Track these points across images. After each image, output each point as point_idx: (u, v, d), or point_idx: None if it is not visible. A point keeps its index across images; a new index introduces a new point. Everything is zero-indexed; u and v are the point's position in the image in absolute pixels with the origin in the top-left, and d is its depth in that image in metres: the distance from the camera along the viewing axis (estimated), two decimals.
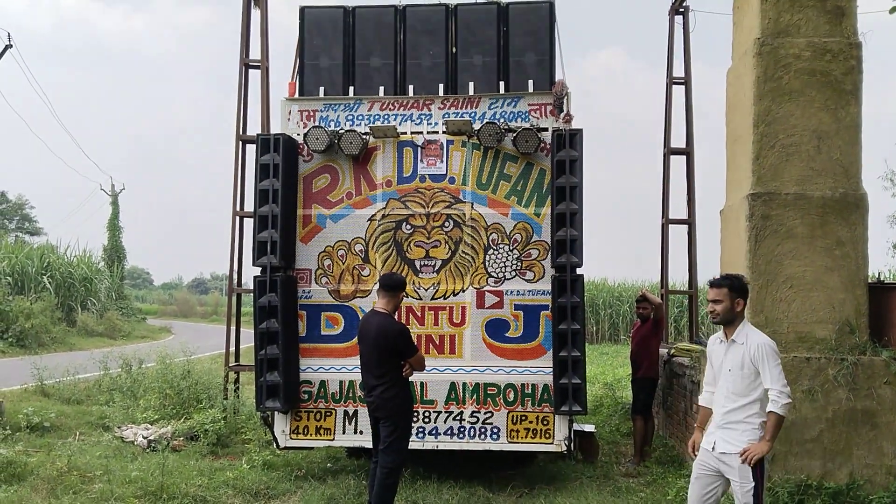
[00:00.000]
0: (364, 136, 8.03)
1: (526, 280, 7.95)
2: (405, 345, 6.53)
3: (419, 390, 7.88)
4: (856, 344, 7.32)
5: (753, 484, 4.99)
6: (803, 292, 7.46)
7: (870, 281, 7.67)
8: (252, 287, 8.14)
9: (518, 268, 7.96)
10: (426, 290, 8.02)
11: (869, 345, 7.36)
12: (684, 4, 12.38)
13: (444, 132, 8.10)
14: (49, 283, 29.88)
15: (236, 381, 10.90)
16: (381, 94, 8.28)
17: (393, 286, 6.66)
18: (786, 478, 7.16)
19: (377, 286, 6.92)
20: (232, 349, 10.84)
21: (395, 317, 6.86)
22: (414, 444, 7.69)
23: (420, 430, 7.88)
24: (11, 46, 25.47)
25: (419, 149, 8.14)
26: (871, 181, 21.92)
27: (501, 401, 7.87)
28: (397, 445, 6.50)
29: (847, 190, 7.60)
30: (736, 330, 5.24)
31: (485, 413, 7.88)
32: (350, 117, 8.27)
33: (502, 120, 8.04)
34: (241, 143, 10.82)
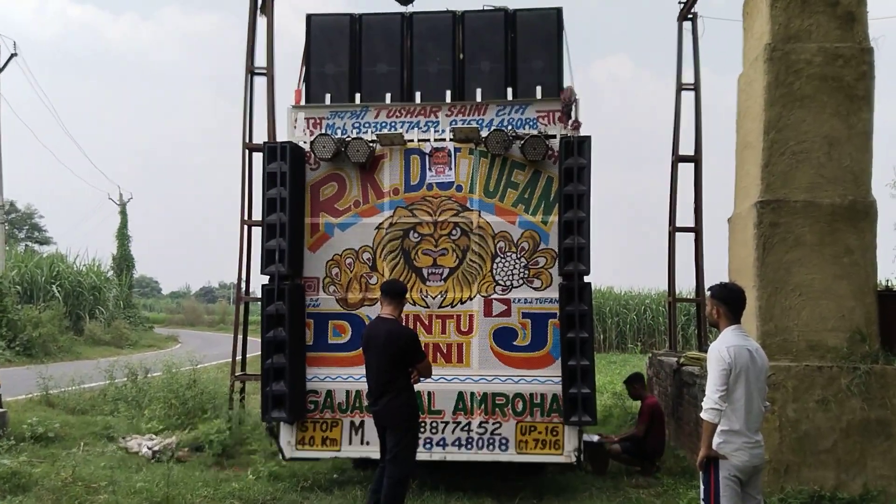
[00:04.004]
0: (371, 144, 7.98)
1: (533, 288, 7.87)
2: (415, 350, 6.48)
3: (426, 400, 7.80)
4: (867, 352, 7.24)
5: (703, 487, 5.15)
6: (813, 300, 7.39)
7: (879, 289, 7.59)
8: (260, 295, 8.09)
9: (525, 276, 7.89)
10: (433, 299, 7.95)
11: (881, 353, 7.26)
12: (693, 11, 12.32)
13: (451, 139, 8.05)
14: (58, 291, 29.96)
15: (242, 390, 10.84)
16: (388, 101, 8.23)
17: (398, 292, 6.63)
18: (799, 489, 7.09)
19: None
20: (238, 358, 10.79)
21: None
22: (421, 454, 7.62)
23: (427, 440, 7.80)
24: (16, 55, 25.67)
25: (426, 156, 8.08)
26: (879, 188, 21.81)
27: (510, 411, 7.79)
28: (405, 455, 6.42)
29: (856, 197, 7.54)
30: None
31: (493, 423, 7.80)
32: (357, 125, 8.21)
33: (510, 127, 7.97)
34: (247, 151, 10.77)
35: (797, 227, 7.50)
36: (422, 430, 7.68)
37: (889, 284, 8.21)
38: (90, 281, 33.22)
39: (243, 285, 11.00)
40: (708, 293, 5.44)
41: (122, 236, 41.34)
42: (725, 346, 5.06)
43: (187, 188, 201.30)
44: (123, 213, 41.90)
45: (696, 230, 12.36)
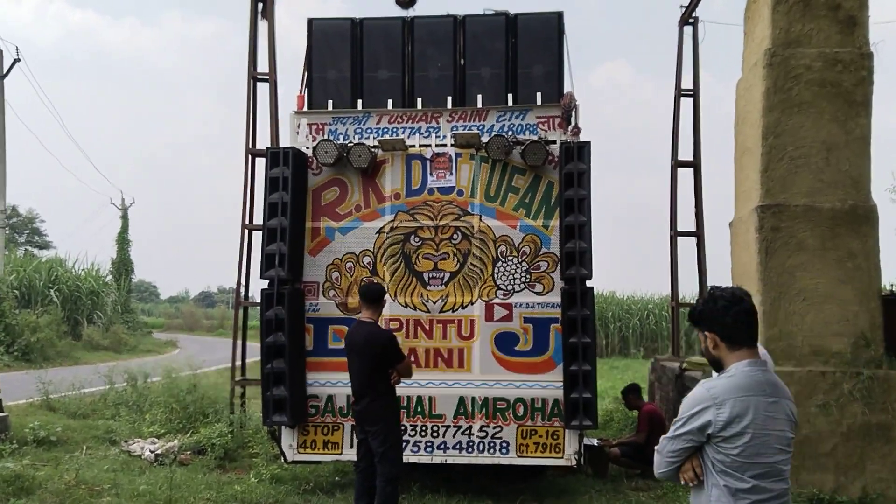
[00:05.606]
0: (373, 149, 8.02)
1: (535, 293, 7.88)
2: (394, 352, 6.54)
3: (427, 404, 7.82)
4: (871, 357, 7.26)
5: None
6: (817, 305, 7.40)
7: (883, 293, 7.62)
8: (259, 300, 8.10)
9: (527, 280, 7.90)
10: (434, 303, 7.96)
11: (885, 358, 7.29)
12: (693, 15, 12.35)
13: (452, 145, 8.08)
14: (56, 296, 29.89)
15: (243, 395, 10.86)
16: (390, 106, 8.26)
17: (376, 296, 6.67)
18: (798, 491, 7.10)
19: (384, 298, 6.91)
20: (238, 363, 10.80)
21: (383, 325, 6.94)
22: (422, 458, 7.69)
23: (429, 444, 7.82)
24: (20, 60, 25.65)
25: (428, 161, 8.11)
26: (879, 193, 21.83)
27: (511, 415, 7.80)
28: (392, 455, 6.49)
29: (857, 202, 7.57)
30: None
31: (494, 427, 7.81)
32: (359, 130, 8.25)
33: (510, 132, 8.01)
34: (250, 156, 10.81)
35: (799, 232, 7.52)
36: (423, 433, 7.73)
37: (893, 289, 8.23)
38: (88, 286, 33.12)
39: (243, 290, 11.01)
40: None
41: (123, 241, 41.15)
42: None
43: (185, 192, 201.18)
44: (125, 218, 41.78)
45: (698, 234, 12.38)
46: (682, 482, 3.23)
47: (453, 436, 7.84)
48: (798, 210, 7.55)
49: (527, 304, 7.88)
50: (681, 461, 3.18)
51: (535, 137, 7.93)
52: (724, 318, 3.18)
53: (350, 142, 8.12)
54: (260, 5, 11.11)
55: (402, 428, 7.37)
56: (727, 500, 3.05)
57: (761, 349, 5.20)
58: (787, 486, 3.11)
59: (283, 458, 8.18)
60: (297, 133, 8.30)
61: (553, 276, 7.86)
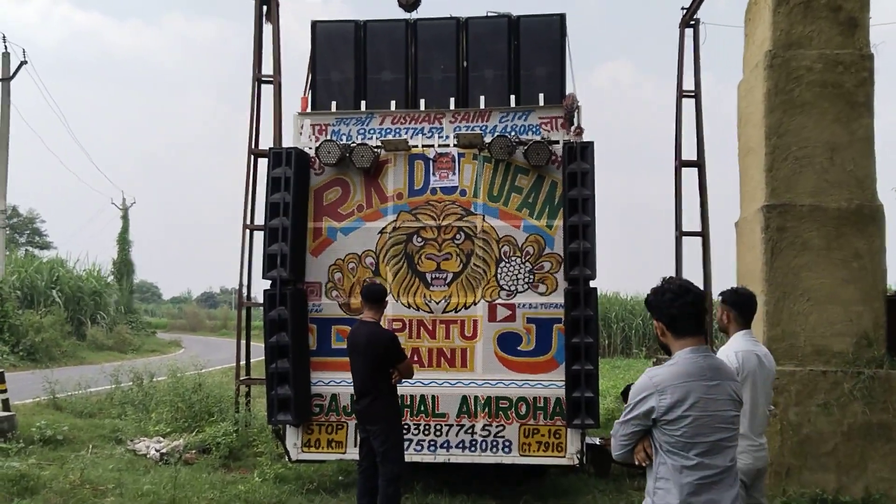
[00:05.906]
0: (376, 150, 8.04)
1: (538, 293, 7.89)
2: (395, 352, 6.58)
3: (430, 403, 7.85)
4: (873, 357, 7.27)
5: None
6: (821, 305, 7.41)
7: (888, 293, 7.63)
8: (262, 300, 8.13)
9: (530, 280, 7.91)
10: (437, 304, 7.98)
11: (886, 358, 7.31)
12: (695, 17, 12.35)
13: (455, 145, 8.10)
14: (58, 297, 29.93)
15: (247, 394, 10.90)
16: (393, 108, 8.29)
17: (378, 297, 6.71)
18: (800, 492, 7.13)
19: (387, 298, 6.97)
20: (242, 363, 10.84)
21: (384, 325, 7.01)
22: (425, 457, 7.71)
23: (431, 443, 7.85)
24: (26, 63, 25.69)
25: (430, 162, 8.14)
26: (885, 193, 21.79)
27: (513, 414, 7.82)
28: (393, 455, 6.53)
29: (862, 202, 7.57)
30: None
31: (496, 426, 7.83)
32: (362, 131, 8.28)
33: (513, 133, 8.02)
34: (253, 156, 10.85)
35: (804, 232, 7.52)
36: (426, 432, 7.76)
37: None
38: (90, 286, 33.19)
39: (245, 290, 11.04)
40: (718, 298, 5.36)
41: (123, 241, 41.21)
42: (734, 351, 5.03)
43: (187, 193, 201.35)
44: (125, 218, 41.82)
45: (703, 234, 12.35)
46: (637, 463, 3.48)
47: (456, 435, 7.86)
48: (804, 210, 7.55)
49: (530, 304, 7.89)
50: (632, 444, 3.44)
51: (537, 138, 7.94)
52: (670, 308, 3.43)
53: (353, 142, 8.15)
54: (264, 8, 11.16)
55: (406, 427, 7.42)
56: (673, 477, 3.30)
57: (762, 348, 5.24)
58: (733, 463, 3.35)
59: (287, 457, 8.21)
60: (301, 134, 8.33)
61: (557, 276, 7.86)
